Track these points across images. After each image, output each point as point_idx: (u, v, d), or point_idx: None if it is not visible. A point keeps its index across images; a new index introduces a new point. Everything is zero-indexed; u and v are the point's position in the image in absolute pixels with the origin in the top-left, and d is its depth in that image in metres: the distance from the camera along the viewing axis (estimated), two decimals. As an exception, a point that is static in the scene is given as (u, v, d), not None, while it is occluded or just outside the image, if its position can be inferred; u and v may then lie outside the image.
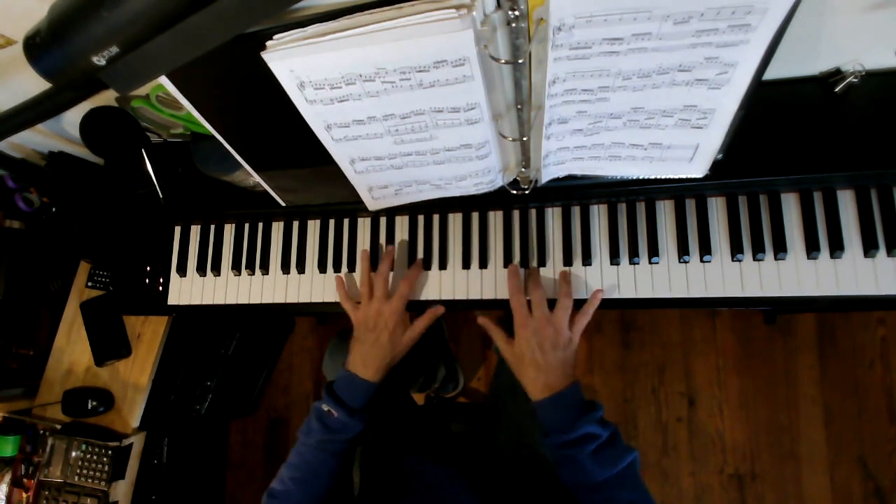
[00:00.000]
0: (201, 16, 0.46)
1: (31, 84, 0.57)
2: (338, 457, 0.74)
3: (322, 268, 0.90)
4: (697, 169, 0.69)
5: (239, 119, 0.67)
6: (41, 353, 1.18)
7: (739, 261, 0.75)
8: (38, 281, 1.18)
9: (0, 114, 0.61)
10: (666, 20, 0.48)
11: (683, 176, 0.70)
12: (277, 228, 0.94)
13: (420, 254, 0.86)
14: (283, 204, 0.84)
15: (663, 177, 0.71)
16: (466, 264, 0.84)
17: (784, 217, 0.75)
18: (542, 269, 0.81)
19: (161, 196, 0.90)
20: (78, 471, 1.06)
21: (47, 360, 1.18)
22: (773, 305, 0.78)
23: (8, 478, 1.11)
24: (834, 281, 0.72)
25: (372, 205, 0.80)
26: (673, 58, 0.52)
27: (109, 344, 1.12)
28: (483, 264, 0.83)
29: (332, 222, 0.92)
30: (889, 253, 0.71)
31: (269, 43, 0.52)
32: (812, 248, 0.73)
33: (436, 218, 0.87)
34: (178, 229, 0.98)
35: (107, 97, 0.76)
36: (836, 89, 0.69)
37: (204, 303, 0.94)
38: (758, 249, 0.74)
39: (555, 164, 0.70)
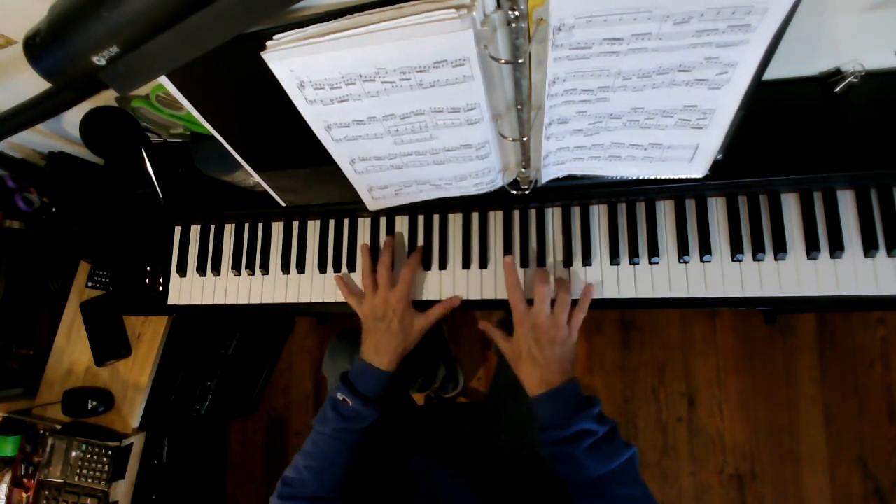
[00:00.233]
0: (201, 16, 0.46)
1: (31, 84, 0.57)
2: (353, 448, 0.74)
3: (322, 268, 0.90)
4: (697, 169, 0.69)
5: (239, 119, 0.67)
6: (41, 353, 1.18)
7: (739, 261, 0.75)
8: (38, 281, 1.18)
9: (0, 114, 0.61)
10: (666, 20, 0.48)
11: (683, 176, 0.70)
12: (277, 228, 0.94)
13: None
14: (283, 204, 0.84)
15: (663, 177, 0.71)
16: (466, 264, 0.84)
17: (784, 217, 0.75)
18: (540, 269, 0.81)
19: (161, 196, 0.90)
20: (78, 471, 1.06)
21: (47, 360, 1.18)
22: (773, 305, 0.78)
23: (8, 478, 1.11)
24: (834, 281, 0.72)
25: (372, 205, 0.80)
26: (673, 58, 0.52)
27: (109, 344, 1.12)
28: (483, 264, 0.83)
29: (332, 222, 0.92)
30: (889, 253, 0.71)
31: (269, 43, 0.52)
32: (812, 248, 0.73)
33: (436, 218, 0.87)
34: (178, 229, 0.98)
35: (107, 97, 0.76)
36: (836, 89, 0.69)
37: (204, 303, 0.94)
38: (758, 249, 0.74)
39: (555, 164, 0.70)
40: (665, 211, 0.79)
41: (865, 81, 0.68)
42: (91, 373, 1.14)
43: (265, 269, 0.92)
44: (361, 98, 0.57)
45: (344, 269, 0.89)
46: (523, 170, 0.71)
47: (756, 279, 0.74)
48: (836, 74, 0.70)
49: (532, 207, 0.83)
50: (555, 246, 0.82)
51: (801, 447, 1.49)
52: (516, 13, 0.47)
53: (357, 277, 0.88)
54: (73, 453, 1.06)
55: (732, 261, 0.75)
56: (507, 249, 0.83)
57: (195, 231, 0.97)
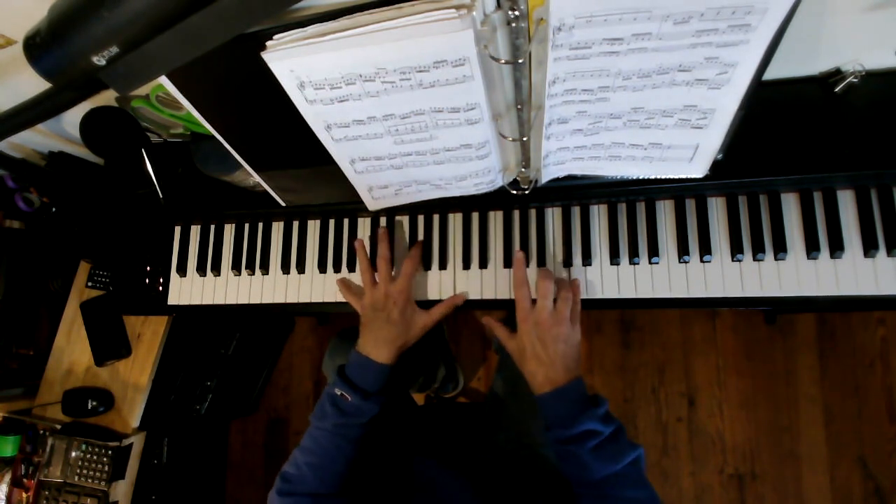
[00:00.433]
0: (201, 16, 0.46)
1: (31, 84, 0.57)
2: (353, 443, 0.73)
3: (322, 268, 0.90)
4: (697, 169, 0.69)
5: (239, 119, 0.67)
6: (41, 353, 1.18)
7: (739, 261, 0.75)
8: (38, 281, 1.18)
9: (0, 114, 0.61)
10: (666, 20, 0.48)
11: (683, 176, 0.70)
12: (277, 228, 0.94)
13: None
14: (283, 204, 0.84)
15: (663, 177, 0.71)
16: (466, 264, 0.84)
17: (784, 217, 0.75)
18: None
19: (161, 196, 0.90)
20: (78, 471, 1.06)
21: (47, 360, 1.18)
22: (773, 305, 0.78)
23: (8, 478, 1.11)
24: (834, 281, 0.72)
25: (372, 205, 0.80)
26: (673, 58, 0.52)
27: (109, 344, 1.12)
28: (483, 264, 0.83)
29: (332, 222, 0.92)
30: (889, 253, 0.71)
31: (269, 43, 0.52)
32: (812, 248, 0.73)
33: (436, 218, 0.87)
34: (178, 229, 0.98)
35: (107, 97, 0.76)
36: (836, 89, 0.69)
37: (204, 303, 0.94)
38: (758, 249, 0.74)
39: (555, 164, 0.70)
40: (665, 211, 0.79)
41: (865, 81, 0.68)
42: (91, 373, 1.14)
43: (265, 269, 0.92)
44: (361, 98, 0.57)
45: (344, 269, 0.89)
46: (523, 170, 0.71)
47: (756, 279, 0.74)
48: (836, 74, 0.70)
49: (532, 207, 0.83)
50: (555, 246, 0.82)
51: (801, 447, 1.49)
52: (516, 13, 0.47)
53: (357, 278, 0.88)
54: (73, 453, 1.06)
55: (732, 261, 0.75)
56: (507, 250, 0.83)
57: (195, 231, 0.97)
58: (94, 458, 1.06)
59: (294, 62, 0.53)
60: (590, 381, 1.62)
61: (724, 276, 0.75)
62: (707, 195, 0.78)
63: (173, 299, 0.96)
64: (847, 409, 1.48)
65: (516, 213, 0.84)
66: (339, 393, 0.74)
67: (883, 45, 0.66)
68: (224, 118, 0.67)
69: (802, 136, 0.71)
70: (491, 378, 1.63)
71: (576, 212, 0.82)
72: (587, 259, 0.79)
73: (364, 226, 0.90)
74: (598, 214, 0.81)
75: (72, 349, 1.16)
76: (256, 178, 0.78)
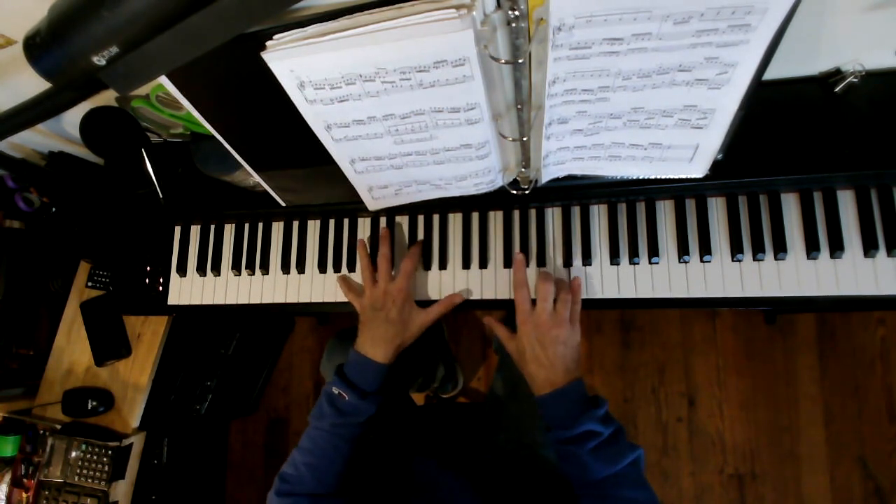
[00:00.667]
0: (201, 16, 0.46)
1: (31, 84, 0.57)
2: (351, 442, 0.73)
3: (322, 268, 0.90)
4: (697, 169, 0.69)
5: (239, 119, 0.67)
6: (41, 353, 1.18)
7: (739, 261, 0.75)
8: (38, 281, 1.18)
9: (0, 114, 0.61)
10: (666, 20, 0.48)
11: (683, 176, 0.70)
12: (277, 228, 0.94)
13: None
14: (283, 204, 0.84)
15: (663, 177, 0.71)
16: (466, 264, 0.84)
17: (784, 217, 0.75)
18: (542, 270, 0.81)
19: (161, 196, 0.90)
20: (78, 471, 1.06)
21: (47, 360, 1.18)
22: (773, 305, 0.78)
23: (8, 478, 1.11)
24: (834, 281, 0.72)
25: (372, 205, 0.80)
26: (673, 58, 0.52)
27: (109, 344, 1.12)
28: (483, 264, 0.83)
29: (332, 222, 0.92)
30: (889, 253, 0.71)
31: (269, 43, 0.52)
32: (812, 248, 0.73)
33: (436, 218, 0.87)
34: (178, 229, 0.98)
35: (107, 97, 0.76)
36: (836, 89, 0.69)
37: (204, 303, 0.94)
38: (758, 249, 0.74)
39: (555, 164, 0.70)
40: (665, 211, 0.79)
41: (865, 81, 0.68)
42: (91, 373, 1.14)
43: (265, 269, 0.92)
44: (361, 98, 0.57)
45: (344, 269, 0.89)
46: (523, 170, 0.71)
47: (756, 279, 0.74)
48: (836, 74, 0.70)
49: (532, 207, 0.83)
50: (555, 246, 0.82)
51: (801, 447, 1.49)
52: (516, 13, 0.47)
53: (358, 277, 0.88)
54: (73, 453, 1.06)
55: (732, 261, 0.75)
56: (507, 250, 0.83)
57: (195, 231, 0.97)
58: (94, 458, 1.06)
59: (294, 62, 0.53)
60: (590, 381, 1.62)
61: (724, 276, 0.75)
62: (707, 195, 0.78)
63: (173, 299, 0.96)
64: (847, 409, 1.48)
65: (516, 213, 0.84)
66: (336, 392, 0.74)
67: (883, 45, 0.66)
68: (224, 118, 0.67)
69: (802, 136, 0.71)
70: (491, 378, 1.63)
71: (576, 212, 0.82)
72: (587, 259, 0.79)
73: (364, 226, 0.90)
74: (598, 214, 0.81)
75: (72, 349, 1.16)
76: (256, 178, 0.78)
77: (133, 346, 1.13)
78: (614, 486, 0.63)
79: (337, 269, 0.89)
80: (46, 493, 1.08)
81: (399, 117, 0.60)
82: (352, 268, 0.89)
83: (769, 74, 0.56)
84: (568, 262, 0.80)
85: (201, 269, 0.95)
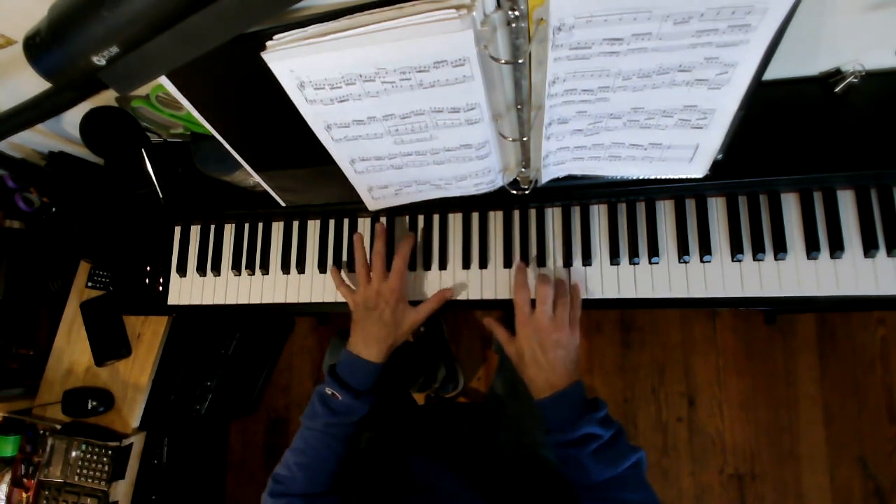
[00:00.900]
0: (201, 16, 0.46)
1: (31, 84, 0.57)
2: (344, 442, 0.73)
3: (322, 268, 0.90)
4: (697, 169, 0.69)
5: (239, 119, 0.67)
6: (41, 353, 1.18)
7: (739, 261, 0.75)
8: (38, 281, 1.18)
9: (0, 114, 0.61)
10: (666, 20, 0.48)
11: (683, 176, 0.70)
12: (277, 228, 0.94)
13: (420, 254, 0.86)
14: (283, 204, 0.84)
15: (663, 177, 0.71)
16: (466, 264, 0.84)
17: (784, 217, 0.75)
18: (542, 270, 0.81)
19: (161, 196, 0.90)
20: (78, 471, 1.06)
21: (47, 360, 1.18)
22: (773, 305, 0.78)
23: (8, 478, 1.11)
24: (834, 281, 0.72)
25: (372, 205, 0.80)
26: (673, 58, 0.52)
27: (109, 344, 1.12)
28: (483, 264, 0.83)
29: (332, 222, 0.92)
30: (889, 253, 0.71)
31: (269, 43, 0.52)
32: (812, 248, 0.73)
33: (436, 218, 0.87)
34: (178, 229, 0.98)
35: (107, 97, 0.76)
36: (836, 89, 0.69)
37: (204, 303, 0.94)
38: (758, 249, 0.74)
39: (555, 164, 0.70)
40: (665, 211, 0.79)
41: (865, 81, 0.68)
42: (91, 373, 1.14)
43: (265, 269, 0.92)
44: (361, 98, 0.57)
45: (344, 269, 0.89)
46: (523, 170, 0.71)
47: (756, 279, 0.74)
48: (836, 74, 0.70)
49: (532, 207, 0.83)
50: (555, 246, 0.82)
51: (801, 447, 1.49)
52: (516, 13, 0.47)
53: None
54: (73, 453, 1.06)
55: (732, 261, 0.75)
56: (507, 250, 0.83)
57: (195, 231, 0.97)
58: (94, 458, 1.06)
59: (294, 62, 0.53)
60: (590, 381, 1.62)
61: (724, 276, 0.75)
62: (707, 195, 0.78)
63: (173, 299, 0.96)
64: (847, 409, 1.48)
65: (516, 213, 0.84)
66: (329, 392, 0.74)
67: (883, 45, 0.66)
68: (224, 118, 0.67)
69: (802, 136, 0.71)
70: (491, 378, 1.63)
71: (576, 212, 0.82)
72: (587, 259, 0.79)
73: (364, 226, 0.90)
74: (598, 214, 0.81)
75: (72, 349, 1.16)
76: (256, 178, 0.78)
77: (133, 346, 1.13)
78: (615, 489, 0.63)
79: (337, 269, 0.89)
80: (46, 493, 1.08)
81: (399, 117, 0.60)
82: (352, 268, 0.89)
83: (769, 74, 0.56)
84: (568, 263, 0.80)
85: (201, 269, 0.95)
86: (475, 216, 0.86)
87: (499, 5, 0.48)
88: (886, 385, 1.47)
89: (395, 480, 0.77)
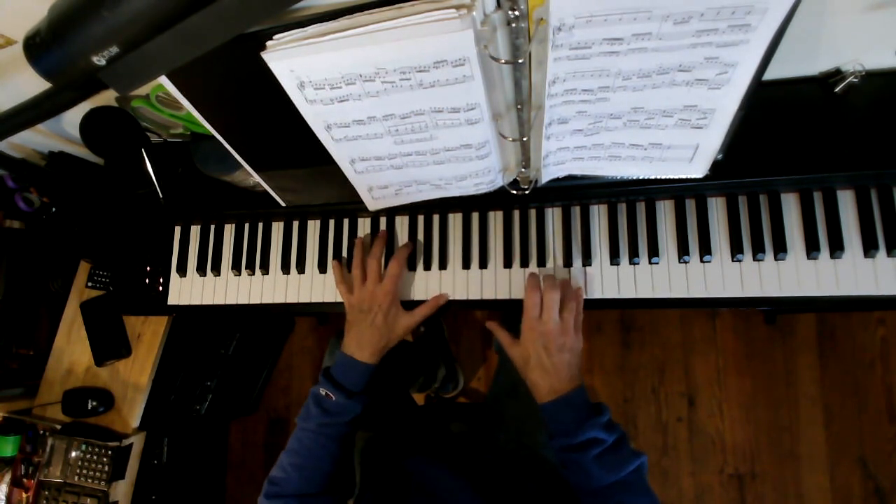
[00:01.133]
0: (201, 16, 0.46)
1: (31, 84, 0.57)
2: (338, 441, 0.74)
3: (322, 268, 0.90)
4: (697, 169, 0.69)
5: (239, 119, 0.67)
6: (41, 353, 1.18)
7: (739, 261, 0.75)
8: (38, 281, 1.18)
9: (0, 114, 0.61)
10: (666, 20, 0.48)
11: (683, 176, 0.70)
12: (277, 228, 0.94)
13: (420, 254, 0.86)
14: (283, 204, 0.84)
15: (663, 177, 0.71)
16: (466, 264, 0.84)
17: (784, 217, 0.75)
18: (542, 270, 0.81)
19: (161, 196, 0.90)
20: (78, 471, 1.06)
21: (47, 360, 1.18)
22: (773, 305, 0.78)
23: (8, 478, 1.11)
24: (834, 281, 0.72)
25: (372, 205, 0.80)
26: (673, 58, 0.52)
27: (109, 344, 1.12)
28: (483, 264, 0.83)
29: (332, 222, 0.92)
30: (889, 253, 0.71)
31: (269, 43, 0.52)
32: (812, 249, 0.73)
33: (436, 218, 0.87)
34: (178, 229, 0.98)
35: (107, 97, 0.76)
36: (836, 89, 0.69)
37: (204, 303, 0.94)
38: (758, 249, 0.74)
39: (555, 164, 0.70)
40: (665, 211, 0.79)
41: (865, 81, 0.68)
42: (91, 373, 1.14)
43: (265, 269, 0.92)
44: (361, 98, 0.57)
45: (345, 268, 0.89)
46: (523, 170, 0.71)
47: (756, 279, 0.74)
48: (836, 74, 0.70)
49: (532, 207, 0.83)
50: (555, 246, 0.82)
51: (801, 447, 1.49)
52: (516, 13, 0.47)
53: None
54: (73, 453, 1.06)
55: (732, 261, 0.75)
56: (507, 250, 0.83)
57: (195, 231, 0.97)
58: (94, 458, 1.06)
59: (294, 62, 0.53)
60: (589, 381, 1.62)
61: (724, 276, 0.75)
62: (707, 195, 0.78)
63: (173, 299, 0.96)
64: (847, 409, 1.48)
65: (516, 213, 0.84)
66: (323, 392, 0.75)
67: (883, 45, 0.66)
68: (224, 118, 0.67)
69: (802, 136, 0.71)
70: (491, 378, 1.63)
71: (576, 212, 0.82)
72: (587, 259, 0.79)
73: (364, 226, 0.90)
74: (598, 214, 0.81)
75: (72, 349, 1.16)
76: (256, 178, 0.78)
77: (133, 346, 1.13)
78: (618, 494, 0.63)
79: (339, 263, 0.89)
80: (46, 493, 1.08)
81: (399, 117, 0.60)
82: (351, 268, 0.89)
83: (769, 74, 0.56)
84: (568, 262, 0.80)
85: (201, 269, 0.95)
86: (475, 216, 0.86)
87: (499, 5, 0.48)
88: (886, 385, 1.47)
89: (395, 480, 0.77)
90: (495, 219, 0.85)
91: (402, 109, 0.59)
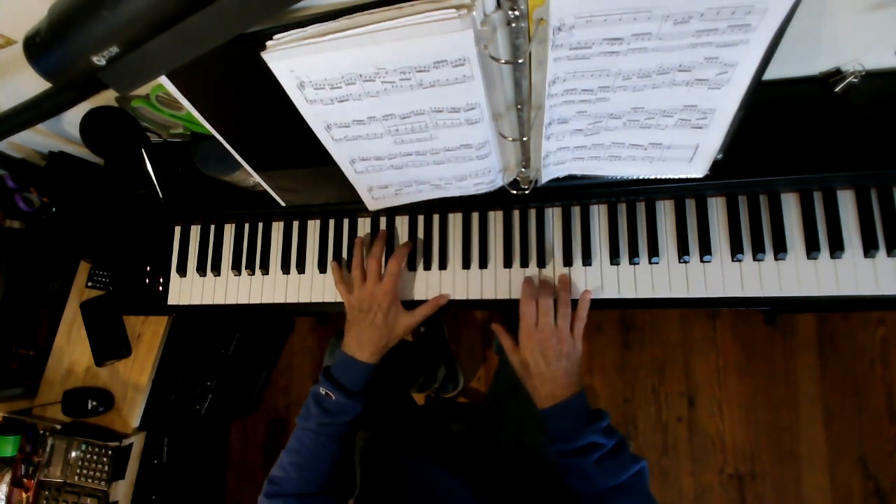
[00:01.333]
0: (201, 16, 0.46)
1: (31, 84, 0.57)
2: (338, 441, 0.74)
3: (322, 268, 0.90)
4: (697, 169, 0.69)
5: (239, 119, 0.67)
6: (41, 353, 1.18)
7: (739, 261, 0.75)
8: (38, 281, 1.18)
9: (0, 114, 0.61)
10: (666, 20, 0.48)
11: (683, 176, 0.70)
12: (277, 228, 0.94)
13: (420, 254, 0.86)
14: (283, 204, 0.84)
15: (663, 177, 0.71)
16: (466, 264, 0.84)
17: (784, 217, 0.75)
18: (542, 270, 0.81)
19: (161, 196, 0.90)
20: (78, 471, 1.06)
21: (47, 360, 1.18)
22: (773, 305, 0.78)
23: (8, 478, 1.11)
24: (834, 281, 0.72)
25: (372, 205, 0.80)
26: (673, 58, 0.52)
27: (109, 344, 1.12)
28: (483, 264, 0.83)
29: (332, 222, 0.92)
30: (889, 253, 0.71)
31: (269, 43, 0.52)
32: (812, 248, 0.73)
33: (436, 218, 0.87)
34: (178, 229, 0.98)
35: (107, 97, 0.76)
36: (836, 89, 0.69)
37: (204, 303, 0.94)
38: (758, 249, 0.74)
39: (555, 164, 0.70)
40: (665, 211, 0.79)
41: (865, 81, 0.68)
42: (91, 373, 1.14)
43: (265, 269, 0.92)
44: (361, 98, 0.57)
45: (344, 269, 0.89)
46: (523, 170, 0.71)
47: (756, 279, 0.74)
48: (836, 74, 0.70)
49: (532, 207, 0.83)
50: (555, 246, 0.82)
51: (801, 447, 1.49)
52: (516, 13, 0.47)
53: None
54: (73, 453, 1.06)
55: (732, 261, 0.75)
56: (507, 249, 0.83)
57: (195, 231, 0.97)
58: (94, 458, 1.06)
59: (294, 62, 0.53)
60: (589, 381, 1.62)
61: (724, 276, 0.75)
62: (707, 195, 0.78)
63: (173, 299, 0.96)
64: (847, 409, 1.48)
65: (516, 213, 0.84)
66: (323, 392, 0.75)
67: (883, 45, 0.66)
68: (224, 118, 0.67)
69: (802, 136, 0.71)
70: (491, 378, 1.63)
71: (576, 212, 0.82)
72: (587, 259, 0.79)
73: (364, 226, 0.90)
74: (598, 214, 0.81)
75: (72, 349, 1.16)
76: (256, 178, 0.78)
77: (133, 346, 1.13)
78: (619, 497, 0.64)
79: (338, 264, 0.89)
80: (46, 493, 1.08)
81: (399, 117, 0.60)
82: (351, 268, 0.89)
83: (769, 74, 0.56)
84: (568, 262, 0.80)
85: (201, 269, 0.95)
86: (475, 216, 0.85)
87: (499, 5, 0.48)
88: (886, 385, 1.47)
89: (395, 480, 0.77)
90: (495, 219, 0.85)
91: (402, 109, 0.59)
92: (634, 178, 0.72)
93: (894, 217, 0.72)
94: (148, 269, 0.98)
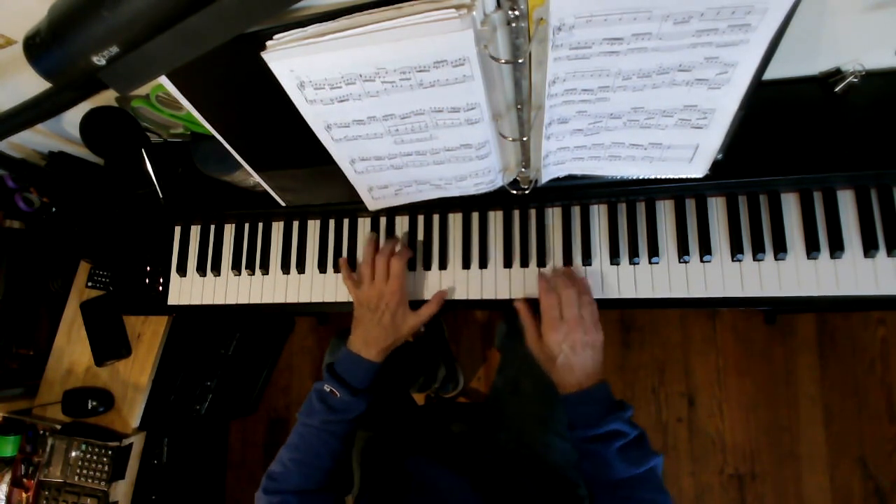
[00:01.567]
0: (201, 16, 0.46)
1: (31, 84, 0.57)
2: (341, 438, 0.74)
3: (322, 268, 0.90)
4: (697, 169, 0.69)
5: (239, 119, 0.67)
6: (41, 353, 1.18)
7: (739, 261, 0.75)
8: (38, 281, 1.18)
9: (0, 114, 0.61)
10: (666, 20, 0.48)
11: (683, 176, 0.70)
12: (277, 228, 0.94)
13: (420, 254, 0.86)
14: (283, 204, 0.84)
15: (663, 177, 0.71)
16: (466, 264, 0.84)
17: (784, 217, 0.75)
18: (542, 270, 0.81)
19: (161, 196, 0.90)
20: (78, 471, 1.06)
21: (47, 360, 1.18)
22: (773, 305, 0.78)
23: (8, 478, 1.11)
24: (834, 281, 0.72)
25: (372, 205, 0.80)
26: (673, 58, 0.52)
27: (109, 344, 1.12)
28: (483, 264, 0.83)
29: (332, 222, 0.92)
30: (889, 253, 0.71)
31: (269, 43, 0.52)
32: (812, 249, 0.73)
33: (436, 218, 0.87)
34: (178, 229, 0.98)
35: (107, 97, 0.76)
36: (836, 89, 0.69)
37: (204, 303, 0.94)
38: (758, 249, 0.74)
39: (555, 164, 0.70)
40: (665, 211, 0.79)
41: (865, 81, 0.68)
42: (91, 373, 1.14)
43: (265, 269, 0.92)
44: (361, 98, 0.57)
45: (349, 268, 0.89)
46: (523, 170, 0.71)
47: (756, 279, 0.74)
48: (836, 74, 0.70)
49: (532, 207, 0.83)
50: (555, 246, 0.82)
51: (801, 447, 1.49)
52: (516, 13, 0.47)
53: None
54: (73, 453, 1.06)
55: (732, 261, 0.75)
56: (507, 249, 0.83)
57: (195, 231, 0.97)
58: (94, 458, 1.06)
59: (294, 62, 0.53)
60: (590, 381, 1.62)
61: (724, 276, 0.75)
62: (707, 195, 0.78)
63: (173, 299, 0.96)
64: (847, 409, 1.48)
65: (516, 213, 0.84)
66: (328, 389, 0.75)
67: (883, 45, 0.66)
68: (224, 118, 0.67)
69: (802, 136, 0.71)
70: (491, 378, 1.63)
71: (576, 212, 0.82)
72: (587, 259, 0.79)
73: (364, 226, 0.90)
74: (598, 214, 0.81)
75: (72, 349, 1.16)
76: (256, 178, 0.78)
77: (133, 346, 1.13)
78: (636, 488, 0.63)
79: (337, 268, 0.89)
80: (46, 493, 1.08)
81: (399, 117, 0.60)
82: (352, 267, 0.89)
83: (769, 74, 0.56)
84: (568, 262, 0.80)
85: (201, 269, 0.95)
86: (475, 216, 0.86)
87: (499, 5, 0.48)
88: (886, 385, 1.47)
89: (395, 480, 0.77)
90: (495, 219, 0.85)
91: (402, 109, 0.59)
92: (634, 178, 0.72)
93: (894, 217, 0.72)
94: (148, 269, 0.98)
